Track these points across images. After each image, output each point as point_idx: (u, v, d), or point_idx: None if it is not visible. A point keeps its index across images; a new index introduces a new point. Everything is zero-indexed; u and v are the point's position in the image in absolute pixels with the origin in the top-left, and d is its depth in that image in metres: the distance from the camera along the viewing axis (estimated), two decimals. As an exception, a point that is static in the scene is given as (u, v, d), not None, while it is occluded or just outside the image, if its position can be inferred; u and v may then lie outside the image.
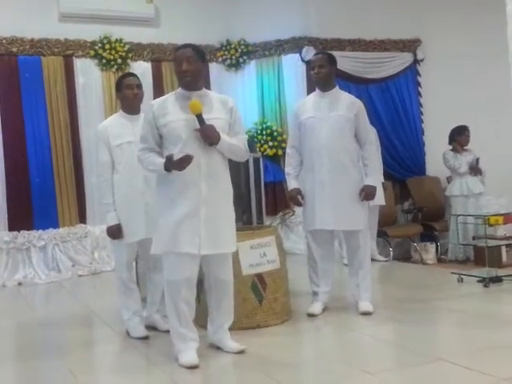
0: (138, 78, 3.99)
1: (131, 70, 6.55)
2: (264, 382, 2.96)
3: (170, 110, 3.26)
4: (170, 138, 3.24)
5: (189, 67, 3.25)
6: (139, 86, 3.92)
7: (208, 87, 3.47)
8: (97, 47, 6.92)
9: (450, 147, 6.73)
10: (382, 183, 6.13)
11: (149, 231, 3.66)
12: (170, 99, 3.32)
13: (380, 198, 5.80)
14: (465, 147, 6.69)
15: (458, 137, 6.68)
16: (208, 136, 3.19)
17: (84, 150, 6.86)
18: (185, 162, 3.11)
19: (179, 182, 3.19)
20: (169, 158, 3.13)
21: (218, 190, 3.27)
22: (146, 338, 3.79)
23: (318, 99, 4.20)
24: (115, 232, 3.77)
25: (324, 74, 4.15)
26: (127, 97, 3.88)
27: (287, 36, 7.37)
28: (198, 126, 3.19)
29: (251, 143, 6.04)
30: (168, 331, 3.43)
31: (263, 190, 6.68)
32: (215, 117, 3.26)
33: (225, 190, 3.34)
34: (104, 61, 6.94)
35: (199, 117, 3.18)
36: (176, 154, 3.14)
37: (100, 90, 6.98)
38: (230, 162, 3.42)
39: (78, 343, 3.93)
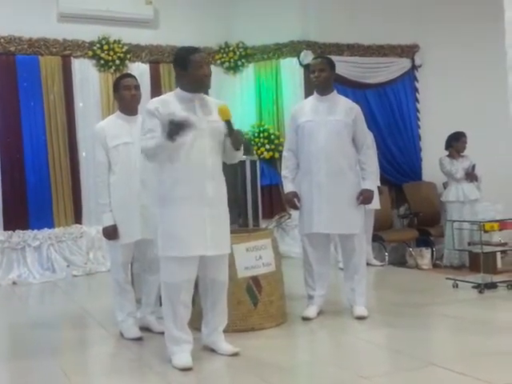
0: (135, 79, 3.98)
1: (129, 71, 6.54)
2: (258, 385, 2.96)
3: (172, 110, 3.22)
4: None
5: (209, 71, 3.28)
6: (137, 87, 3.91)
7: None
8: (95, 48, 6.91)
9: (447, 153, 6.74)
10: (378, 187, 6.13)
11: (144, 232, 3.66)
12: (170, 99, 3.30)
13: (375, 203, 5.80)
14: (461, 153, 6.70)
15: (455, 143, 6.69)
16: (239, 141, 3.22)
17: (80, 151, 6.85)
18: (186, 125, 3.03)
19: (186, 184, 3.18)
20: (171, 121, 3.03)
21: (219, 190, 3.29)
22: (139, 339, 3.78)
23: (316, 103, 4.20)
24: (111, 233, 3.76)
25: (324, 78, 4.15)
26: (125, 98, 3.87)
27: (286, 40, 7.38)
28: (202, 128, 3.18)
29: (248, 146, 6.04)
30: (162, 333, 3.43)
31: (259, 192, 6.68)
32: (215, 119, 3.26)
33: (223, 190, 3.35)
34: (102, 61, 6.93)
35: (228, 122, 3.21)
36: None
37: (97, 90, 6.97)
38: (227, 164, 3.43)
39: (72, 344, 3.92)
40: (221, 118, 3.21)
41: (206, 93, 3.42)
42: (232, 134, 3.21)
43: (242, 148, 3.33)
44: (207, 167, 3.21)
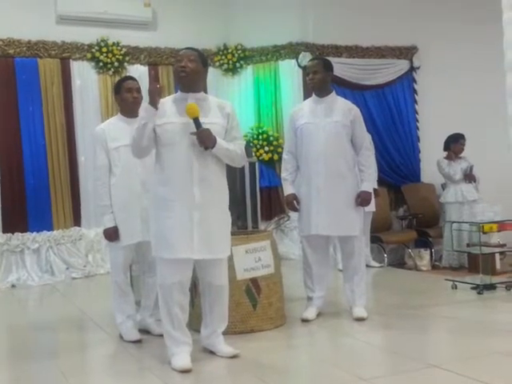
0: (137, 81, 4.00)
1: (128, 74, 6.55)
2: (257, 387, 2.96)
3: (166, 112, 3.26)
4: (164, 139, 3.24)
5: (187, 64, 3.25)
6: (139, 90, 3.92)
7: (205, 91, 3.46)
8: (94, 50, 6.92)
9: (445, 154, 6.74)
10: (375, 189, 6.11)
11: (145, 234, 3.66)
12: (167, 102, 3.33)
13: (371, 205, 5.79)
14: (459, 155, 6.70)
15: (453, 144, 6.69)
16: (203, 140, 3.18)
17: (80, 153, 6.85)
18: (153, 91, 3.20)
19: (172, 186, 3.20)
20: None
21: (211, 194, 3.25)
22: (139, 341, 3.78)
23: (314, 105, 4.20)
24: (112, 234, 3.76)
25: (319, 80, 4.15)
26: (127, 100, 3.87)
27: (284, 41, 7.39)
28: (193, 130, 3.19)
29: (247, 148, 6.05)
30: (161, 335, 3.43)
31: (258, 194, 6.68)
32: (211, 121, 3.26)
33: (219, 193, 3.32)
34: (101, 64, 6.93)
35: (196, 120, 3.18)
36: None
37: (96, 92, 6.97)
38: (226, 166, 3.42)
39: (71, 346, 3.92)
40: (188, 116, 3.18)
41: (205, 92, 3.44)
42: (196, 132, 3.17)
43: (224, 151, 3.26)
44: (194, 170, 3.20)
